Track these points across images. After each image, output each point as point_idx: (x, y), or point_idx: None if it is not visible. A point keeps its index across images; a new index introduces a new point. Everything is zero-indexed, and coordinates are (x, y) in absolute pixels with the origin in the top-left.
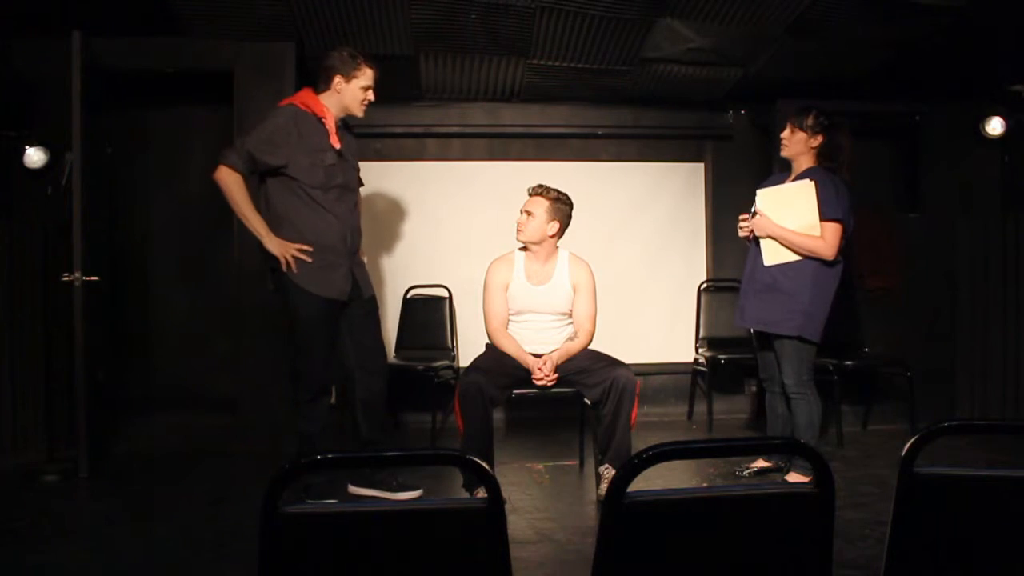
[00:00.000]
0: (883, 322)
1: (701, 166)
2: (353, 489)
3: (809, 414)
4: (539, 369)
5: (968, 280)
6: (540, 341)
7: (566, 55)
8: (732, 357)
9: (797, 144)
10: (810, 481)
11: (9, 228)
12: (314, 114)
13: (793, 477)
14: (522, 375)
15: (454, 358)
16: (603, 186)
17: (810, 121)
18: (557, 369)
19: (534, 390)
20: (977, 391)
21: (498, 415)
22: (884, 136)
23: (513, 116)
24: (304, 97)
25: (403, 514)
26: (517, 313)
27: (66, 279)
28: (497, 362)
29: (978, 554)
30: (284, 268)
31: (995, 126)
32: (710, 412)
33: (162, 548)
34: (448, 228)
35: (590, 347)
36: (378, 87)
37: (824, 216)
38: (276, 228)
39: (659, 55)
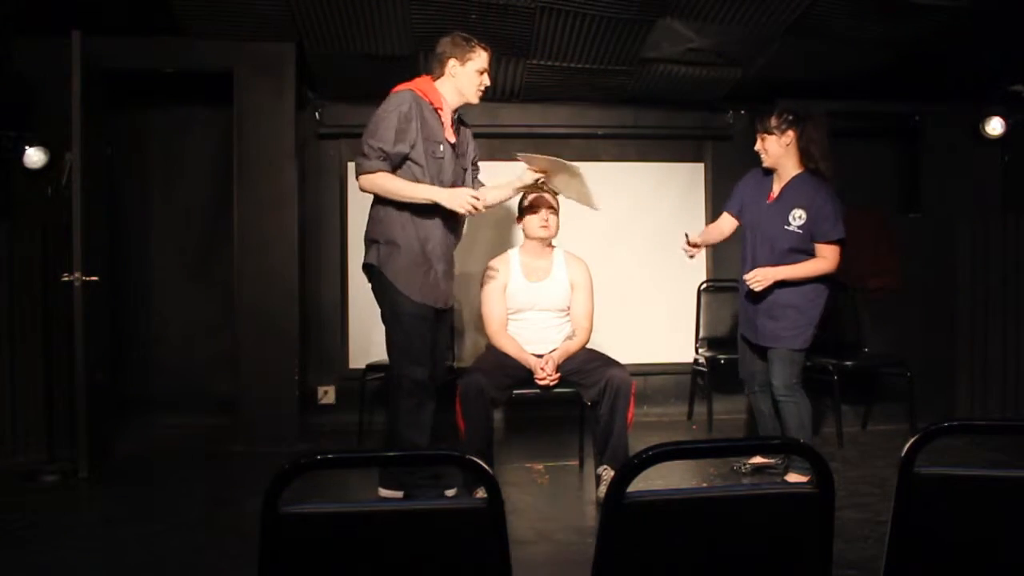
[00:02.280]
0: (883, 322)
1: (701, 166)
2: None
3: (799, 416)
4: (541, 369)
5: (968, 280)
6: (540, 340)
7: (566, 55)
8: (732, 357)
9: (773, 149)
10: (809, 481)
11: (9, 228)
12: (429, 102)
13: (792, 477)
14: (523, 375)
15: (453, 359)
16: (603, 186)
17: (773, 122)
18: (556, 369)
19: (534, 390)
20: (977, 391)
21: (498, 415)
22: (884, 136)
23: (513, 116)
24: (421, 84)
25: (403, 514)
26: (517, 311)
27: (66, 279)
28: (498, 363)
29: (978, 554)
30: (467, 213)
31: (995, 126)
32: (710, 412)
33: (162, 548)
34: None
35: (587, 346)
36: (492, 72)
37: (826, 238)
38: (385, 217)
39: (659, 55)
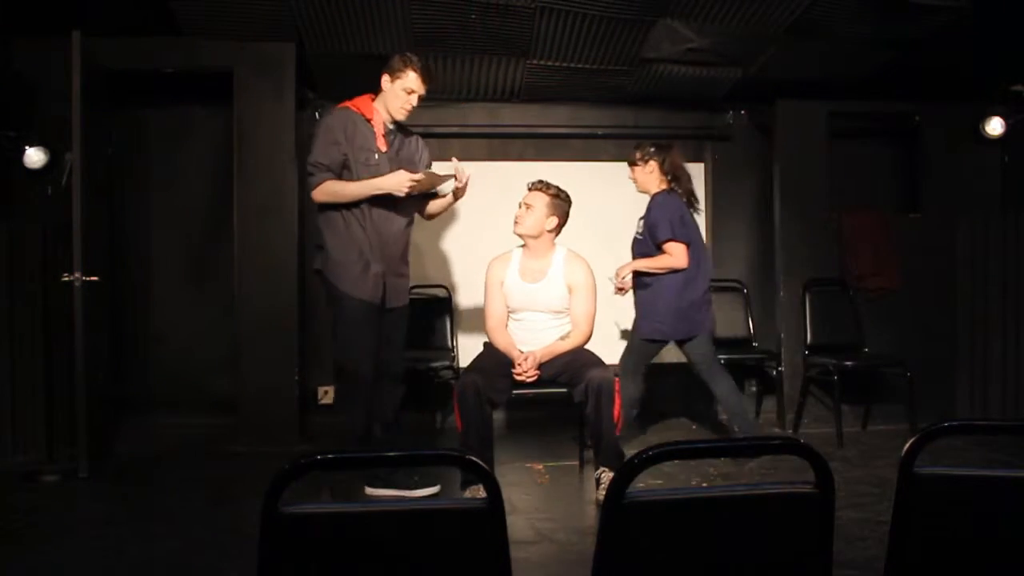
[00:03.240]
0: (883, 322)
1: (701, 166)
2: (370, 491)
3: (625, 398)
4: (519, 364)
5: (968, 280)
6: (536, 341)
7: (566, 55)
8: (732, 357)
9: (639, 176)
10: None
11: (9, 228)
12: (362, 115)
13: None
14: None
15: (454, 358)
16: (603, 186)
17: (638, 155)
18: (543, 367)
19: (531, 390)
20: (977, 391)
21: (498, 415)
22: (884, 136)
23: (513, 116)
24: (357, 100)
25: (403, 514)
26: (514, 311)
27: (66, 279)
28: (495, 362)
29: (978, 554)
30: (409, 191)
31: (995, 126)
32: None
33: (162, 548)
34: (447, 228)
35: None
36: (425, 94)
37: (656, 240)
38: (326, 225)
39: (659, 55)
